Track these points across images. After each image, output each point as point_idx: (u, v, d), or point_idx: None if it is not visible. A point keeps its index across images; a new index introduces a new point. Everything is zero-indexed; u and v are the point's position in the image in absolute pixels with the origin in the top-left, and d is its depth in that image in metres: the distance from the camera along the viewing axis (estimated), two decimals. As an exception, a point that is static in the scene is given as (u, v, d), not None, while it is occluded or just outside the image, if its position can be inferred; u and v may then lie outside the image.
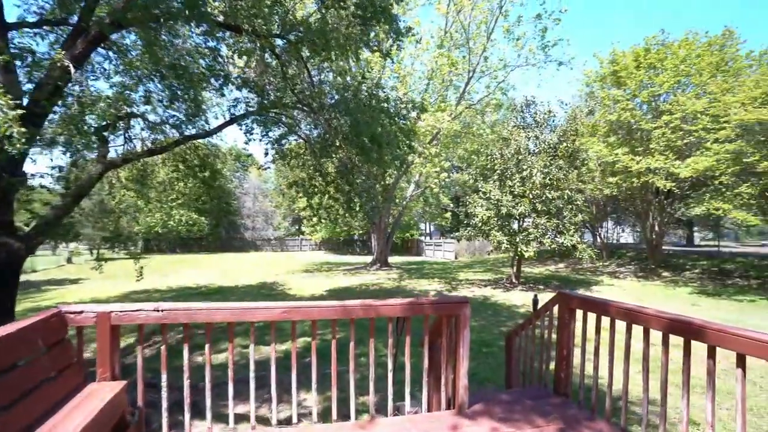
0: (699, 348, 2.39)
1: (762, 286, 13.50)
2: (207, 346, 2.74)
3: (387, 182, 10.91)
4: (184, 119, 6.16)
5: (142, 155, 7.24)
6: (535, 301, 4.83)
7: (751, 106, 11.50)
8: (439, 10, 17.38)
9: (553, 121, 14.17)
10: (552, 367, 3.67)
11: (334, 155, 7.88)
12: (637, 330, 2.82)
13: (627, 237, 34.71)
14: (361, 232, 39.52)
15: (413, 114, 10.82)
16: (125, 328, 2.63)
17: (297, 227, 49.24)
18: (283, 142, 7.85)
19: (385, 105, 8.76)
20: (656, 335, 2.61)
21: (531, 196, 12.74)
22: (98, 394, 2.22)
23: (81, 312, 2.36)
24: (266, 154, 7.58)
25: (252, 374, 2.83)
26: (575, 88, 28.89)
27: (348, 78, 9.06)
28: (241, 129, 7.28)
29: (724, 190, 11.62)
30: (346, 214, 9.27)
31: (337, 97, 7.99)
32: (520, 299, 11.77)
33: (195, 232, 40.10)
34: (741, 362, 2.15)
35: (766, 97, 11.57)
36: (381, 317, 3.02)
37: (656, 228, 17.65)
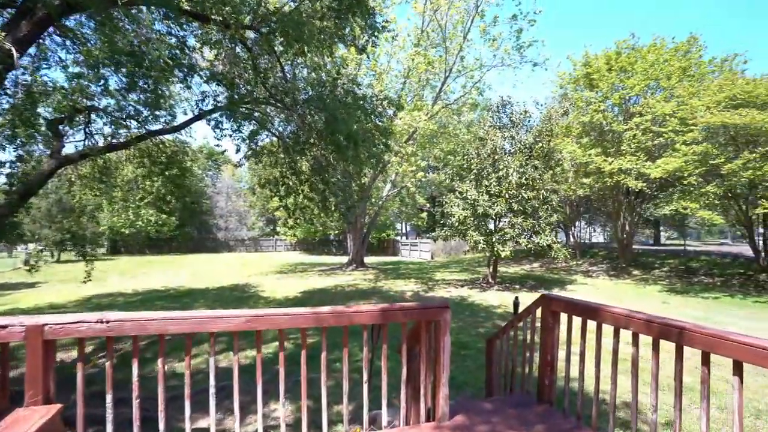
0: (690, 353, 2.27)
1: (725, 284, 13.97)
2: (160, 361, 2.45)
3: (363, 182, 10.69)
4: (144, 111, 5.74)
5: (101, 151, 6.76)
6: (516, 304, 4.68)
7: (715, 109, 11.84)
8: (416, 9, 17.27)
9: (529, 122, 14.26)
10: (535, 373, 3.52)
11: (308, 153, 7.58)
12: (625, 334, 2.68)
13: (598, 237, 35.62)
14: (337, 232, 39.13)
15: (390, 112, 10.62)
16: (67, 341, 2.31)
17: (272, 227, 48.40)
18: (256, 138, 7.50)
19: (362, 102, 8.52)
20: (645, 340, 2.47)
21: (507, 196, 12.76)
22: (26, 421, 1.91)
23: (5, 326, 2.03)
24: (237, 150, 7.20)
25: (212, 389, 2.54)
26: (549, 90, 29.38)
27: (323, 74, 8.78)
28: (209, 124, 6.89)
29: (691, 190, 11.95)
30: (322, 214, 8.96)
31: (311, 92, 7.69)
32: (497, 299, 11.75)
33: (165, 233, 38.80)
34: (738, 370, 2.02)
35: (729, 102, 11.94)
36: (355, 325, 2.79)
37: (627, 228, 18.07)
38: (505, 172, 13.00)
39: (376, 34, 7.96)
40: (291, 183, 7.83)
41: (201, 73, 6.17)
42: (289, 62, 8.01)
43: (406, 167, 15.49)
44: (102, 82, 4.94)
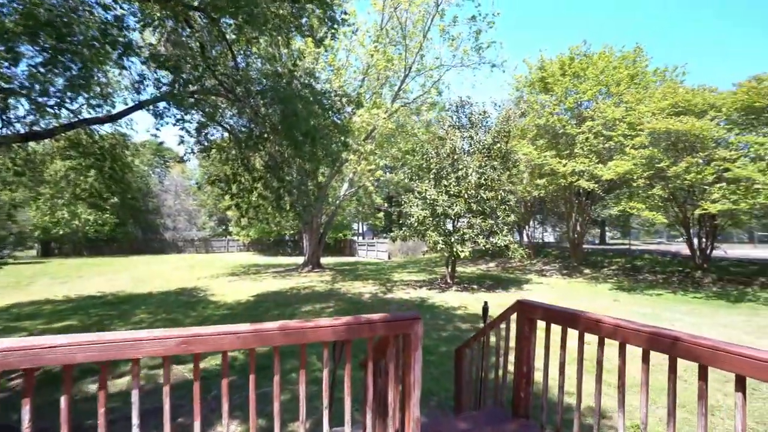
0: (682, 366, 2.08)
1: (666, 281, 14.75)
2: (63, 399, 1.94)
3: (320, 180, 10.23)
4: (70, 95, 4.99)
5: (16, 140, 5.88)
6: (485, 309, 4.44)
7: (660, 116, 12.42)
8: (376, 6, 16.98)
9: (487, 122, 14.36)
10: (510, 384, 3.28)
11: (262, 148, 7.05)
12: (607, 342, 2.47)
13: (549, 236, 36.98)
14: (292, 232, 38.12)
15: (349, 109, 10.24)
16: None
17: (224, 227, 46.41)
18: (205, 131, 6.87)
19: (320, 97, 8.09)
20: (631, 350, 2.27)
21: (467, 196, 12.73)
22: None
23: None
24: (181, 142, 6.53)
25: (136, 425, 2.06)
26: (507, 92, 30.18)
27: (278, 67, 8.25)
28: (149, 112, 6.18)
29: (639, 192, 12.48)
30: (276, 214, 8.43)
31: (266, 83, 7.17)
32: (456, 300, 11.67)
33: (106, 233, 36.16)
34: (740, 385, 1.84)
35: (671, 109, 12.57)
36: (312, 343, 2.40)
37: (578, 228, 18.73)
38: (465, 172, 12.98)
39: (335, 26, 7.56)
40: (243, 180, 7.25)
41: (139, 50, 5.47)
42: (242, 52, 7.44)
43: (364, 166, 15.13)
44: (9, 51, 4.18)
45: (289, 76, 7.29)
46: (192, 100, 5.97)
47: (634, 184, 12.42)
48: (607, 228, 36.30)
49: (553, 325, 2.86)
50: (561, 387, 2.76)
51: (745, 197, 10.05)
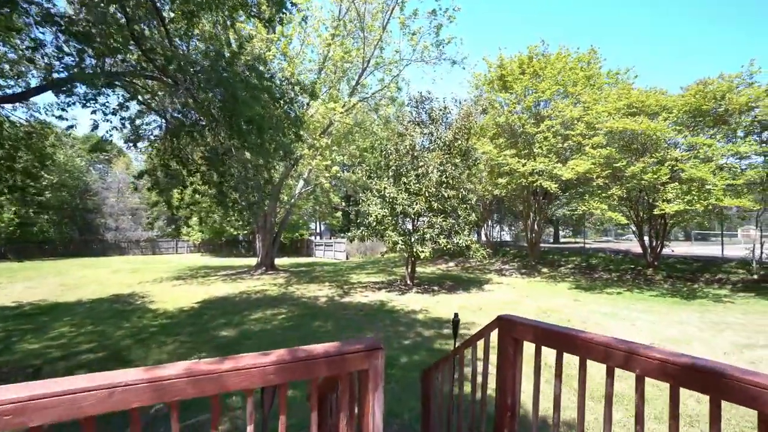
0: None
1: (620, 279, 15.05)
2: None
3: (272, 176, 9.42)
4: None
5: None
6: (456, 323, 3.83)
7: (616, 116, 12.54)
8: (333, -5, 16.23)
9: (448, 119, 14.01)
10: (489, 414, 2.72)
11: (199, 137, 6.16)
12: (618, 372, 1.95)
13: (506, 235, 37.63)
14: (245, 232, 36.49)
15: (303, 100, 9.47)
16: None
17: (173, 227, 43.77)
18: (127, 116, 5.88)
19: (269, 83, 7.28)
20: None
21: (427, 195, 12.28)
22: None
23: None
24: (94, 127, 5.50)
25: None
26: (466, 90, 30.30)
27: (225, 52, 7.35)
28: (53, 91, 5.12)
29: (599, 192, 12.56)
30: (218, 212, 7.54)
31: (205, 64, 6.28)
32: (417, 304, 11.18)
33: (34, 234, 32.93)
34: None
35: (627, 109, 12.74)
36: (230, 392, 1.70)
37: (535, 227, 18.86)
38: (425, 169, 12.53)
39: (283, 9, 6.80)
40: (178, 174, 6.32)
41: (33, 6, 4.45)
42: (181, 31, 6.49)
43: (319, 161, 14.32)
44: None
45: (232, 58, 6.44)
46: (107, 76, 5.01)
47: (594, 184, 12.48)
48: (560, 227, 37.46)
49: (544, 348, 2.31)
50: (556, 426, 2.22)
51: (699, 198, 10.25)
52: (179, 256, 38.70)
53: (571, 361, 2.18)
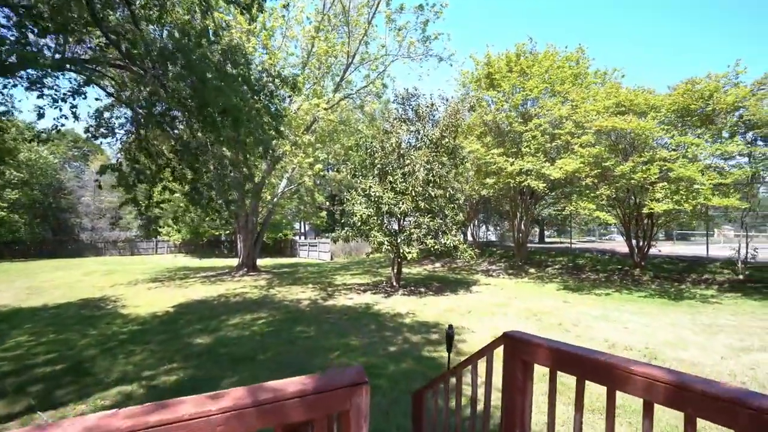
0: None
1: (608, 279, 14.94)
2: None
3: (251, 173, 8.92)
4: None
5: None
6: (450, 336, 3.38)
7: (605, 114, 12.37)
8: (317, -11, 15.72)
9: (435, 116, 13.66)
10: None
11: (169, 129, 5.64)
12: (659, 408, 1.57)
13: (491, 235, 37.58)
14: (228, 232, 35.65)
15: (284, 92, 8.99)
16: None
17: (153, 227, 42.55)
18: (86, 104, 5.39)
19: (247, 73, 6.79)
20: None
21: (413, 194, 11.91)
22: None
23: None
24: (40, 116, 4.90)
25: None
26: (453, 88, 30.07)
27: (196, 37, 6.82)
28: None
29: (588, 191, 12.37)
30: (193, 211, 7.02)
31: (173, 48, 5.75)
32: (404, 306, 10.80)
33: (3, 234, 31.51)
34: None
35: (615, 108, 12.59)
36: None
37: (522, 227, 18.68)
38: (412, 167, 12.16)
39: None
40: (145, 169, 5.78)
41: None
42: (152, 17, 5.95)
43: (302, 158, 13.80)
44: None
45: (200, 38, 5.92)
46: (63, 60, 4.47)
47: (583, 183, 12.29)
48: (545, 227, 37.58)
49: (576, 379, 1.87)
50: (577, 473, 1.83)
51: (687, 198, 10.12)
52: (159, 256, 37.61)
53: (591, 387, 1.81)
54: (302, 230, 47.25)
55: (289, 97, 9.69)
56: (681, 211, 10.97)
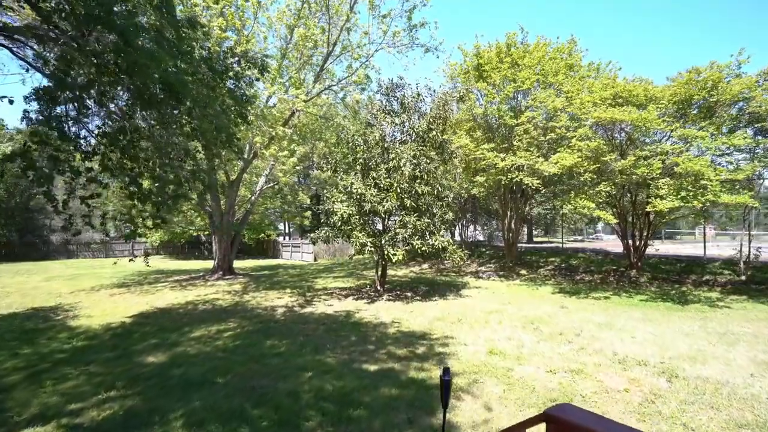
0: None
1: (604, 281, 14.20)
2: None
3: (212, 164, 7.83)
4: None
5: None
6: (446, 385, 2.28)
7: (602, 106, 11.59)
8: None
9: (422, 108, 12.71)
10: None
11: (92, 103, 4.53)
12: None
13: (479, 235, 36.80)
14: (207, 233, 34.15)
15: (251, 72, 7.94)
16: None
17: (132, 227, 40.67)
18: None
19: (197, 35, 5.72)
20: None
21: (399, 190, 10.95)
22: None
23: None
24: None
25: None
26: (440, 82, 29.17)
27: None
28: None
29: (587, 188, 11.57)
30: (133, 208, 5.92)
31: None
32: (389, 314, 9.83)
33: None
34: None
35: (613, 100, 11.83)
36: None
37: (512, 226, 17.89)
38: (397, 162, 11.20)
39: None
40: (60, 155, 4.65)
41: None
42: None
43: (274, 150, 12.67)
44: None
45: (145, 6, 4.84)
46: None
47: (582, 179, 11.47)
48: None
49: None
50: None
51: (695, 195, 9.35)
52: (137, 258, 35.80)
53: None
54: (287, 231, 45.97)
55: (257, 80, 8.68)
56: (687, 208, 10.22)
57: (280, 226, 44.30)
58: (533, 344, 7.27)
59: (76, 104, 4.18)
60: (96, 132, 4.71)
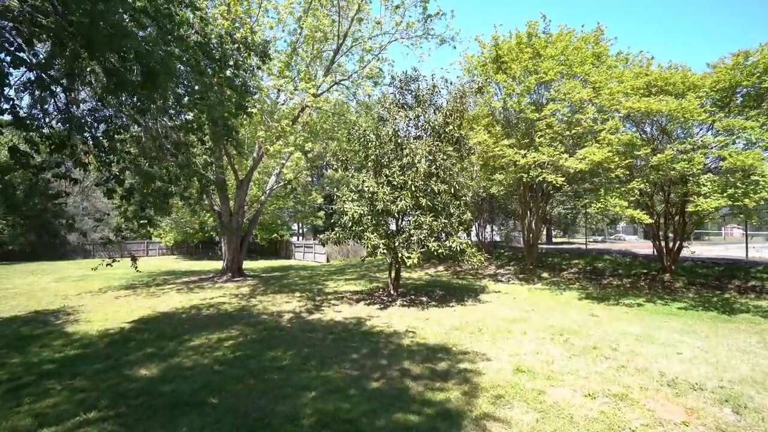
0: None
1: (634, 286, 13.21)
2: None
3: (207, 159, 7.25)
4: None
5: None
6: None
7: (635, 95, 10.65)
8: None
9: (437, 101, 11.94)
10: None
11: (52, 83, 3.88)
12: None
13: (495, 236, 35.71)
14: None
15: (252, 61, 7.32)
16: None
17: (146, 228, 40.83)
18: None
19: (187, 15, 5.09)
20: None
21: (413, 188, 10.21)
22: None
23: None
24: None
25: None
26: (456, 75, 28.30)
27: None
28: None
29: (617, 185, 10.63)
30: (118, 206, 5.31)
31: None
32: (403, 321, 9.10)
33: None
34: None
35: (647, 89, 10.89)
36: None
37: (533, 226, 16.96)
38: (411, 158, 10.46)
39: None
40: (20, 147, 4.01)
41: None
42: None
43: (279, 146, 12.03)
44: None
45: None
46: None
47: (612, 175, 10.53)
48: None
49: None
50: None
51: (746, 192, 8.36)
52: (149, 258, 36.03)
53: None
54: (300, 231, 45.65)
55: (259, 68, 8.09)
56: (737, 207, 9.20)
57: (294, 227, 43.99)
58: (565, 360, 6.45)
59: (33, 86, 3.59)
60: (59, 118, 4.08)
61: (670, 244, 12.93)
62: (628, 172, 10.50)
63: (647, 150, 9.92)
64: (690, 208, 9.50)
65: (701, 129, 10.75)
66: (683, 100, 9.59)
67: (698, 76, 10.76)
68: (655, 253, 13.83)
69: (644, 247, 20.33)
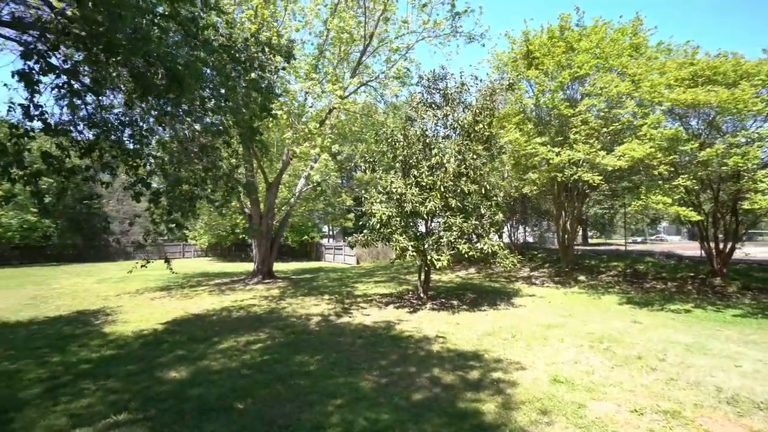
0: None
1: (680, 290, 12.40)
2: None
3: (232, 163, 7.23)
4: None
5: None
6: None
7: (680, 87, 9.98)
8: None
9: (466, 99, 11.61)
10: None
11: (75, 81, 3.87)
12: None
13: (528, 237, 34.75)
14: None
15: (278, 62, 7.28)
16: None
17: (182, 231, 42.16)
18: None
19: (213, 19, 5.07)
20: None
21: (442, 189, 9.94)
22: None
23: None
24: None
25: None
26: (485, 72, 27.67)
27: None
28: None
29: (662, 182, 9.99)
30: (148, 209, 5.36)
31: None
32: (432, 326, 8.84)
33: (33, 239, 31.59)
34: None
35: (692, 79, 10.19)
36: None
37: (567, 227, 16.29)
38: (440, 158, 10.20)
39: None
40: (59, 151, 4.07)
41: None
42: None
43: (306, 147, 12.02)
44: None
45: None
46: None
47: (655, 172, 9.90)
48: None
49: None
50: None
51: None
52: (185, 260, 37.17)
53: None
54: (331, 233, 46.02)
55: (283, 68, 8.09)
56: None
57: (324, 229, 44.39)
58: (606, 371, 6.03)
59: (62, 91, 3.62)
60: (86, 123, 4.11)
61: (721, 245, 12.05)
62: (672, 169, 9.84)
63: (694, 145, 9.26)
64: (746, 205, 8.80)
65: (755, 120, 9.94)
66: (735, 90, 8.89)
67: (752, 63, 9.97)
68: (703, 254, 12.96)
69: (689, 249, 19.18)
